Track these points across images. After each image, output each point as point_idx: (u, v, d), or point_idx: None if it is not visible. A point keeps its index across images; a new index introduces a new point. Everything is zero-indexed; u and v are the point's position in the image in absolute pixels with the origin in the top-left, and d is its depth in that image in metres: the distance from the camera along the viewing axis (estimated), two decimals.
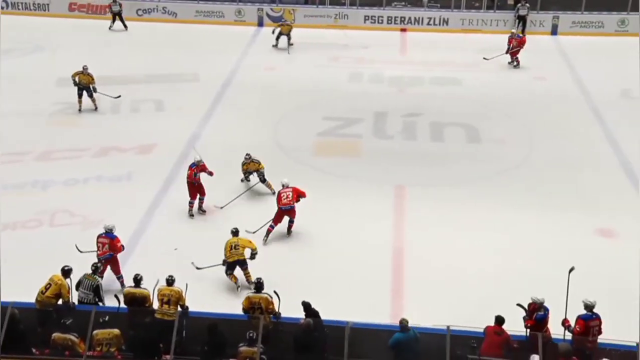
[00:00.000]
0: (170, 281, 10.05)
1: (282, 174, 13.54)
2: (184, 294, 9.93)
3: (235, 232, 11.64)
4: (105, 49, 22.82)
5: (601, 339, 9.34)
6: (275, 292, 9.95)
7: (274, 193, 13.71)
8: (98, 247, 11.26)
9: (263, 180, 14.17)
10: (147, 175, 14.77)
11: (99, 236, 11.33)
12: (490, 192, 14.50)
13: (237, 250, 11.40)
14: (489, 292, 11.13)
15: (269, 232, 12.71)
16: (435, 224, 13.22)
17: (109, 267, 11.32)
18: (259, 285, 10.09)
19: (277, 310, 9.94)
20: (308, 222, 13.14)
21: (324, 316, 9.63)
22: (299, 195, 12.78)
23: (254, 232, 12.68)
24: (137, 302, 9.93)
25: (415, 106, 18.85)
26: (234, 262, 11.41)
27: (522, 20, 24.62)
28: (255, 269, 11.45)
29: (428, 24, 25.76)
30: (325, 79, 20.68)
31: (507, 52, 21.65)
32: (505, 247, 12.52)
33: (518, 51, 21.66)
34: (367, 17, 25.99)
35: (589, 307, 9.38)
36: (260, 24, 26.04)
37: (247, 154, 14.24)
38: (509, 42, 21.79)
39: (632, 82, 19.62)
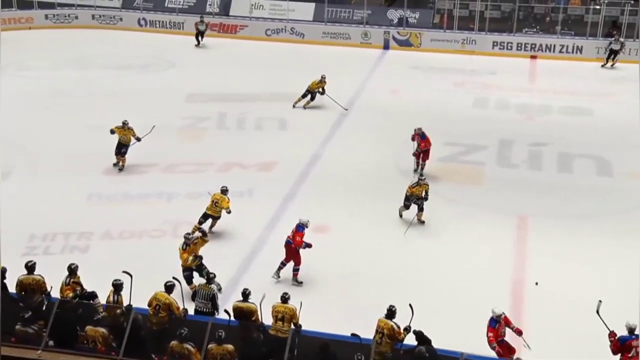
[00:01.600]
0: (285, 298, 10.10)
1: (399, 198, 13.42)
2: (298, 312, 9.97)
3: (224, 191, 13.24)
4: (232, 67, 23.61)
5: None
6: (410, 305, 9.70)
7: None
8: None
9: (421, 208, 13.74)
10: (267, 192, 15.04)
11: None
12: (619, 228, 13.74)
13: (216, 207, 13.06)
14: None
15: None
16: (558, 257, 12.66)
17: None
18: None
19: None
20: (424, 246, 13.00)
21: (435, 344, 9.37)
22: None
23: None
24: (244, 316, 10.05)
25: (543, 135, 18.23)
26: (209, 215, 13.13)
27: (614, 54, 23.30)
28: (367, 289, 11.41)
29: (560, 51, 25.00)
30: (449, 104, 20.43)
31: None
32: (623, 284, 11.77)
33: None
34: (495, 43, 25.56)
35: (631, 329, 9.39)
36: (387, 46, 26.17)
37: (420, 176, 14.06)
38: None
39: None
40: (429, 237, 13.46)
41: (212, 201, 13.28)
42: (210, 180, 15.56)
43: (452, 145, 17.56)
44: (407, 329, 9.58)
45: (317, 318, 10.33)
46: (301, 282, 12.03)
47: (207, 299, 10.56)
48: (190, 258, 11.52)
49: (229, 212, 13.18)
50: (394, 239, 13.36)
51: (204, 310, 10.55)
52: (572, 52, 24.86)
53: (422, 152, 15.91)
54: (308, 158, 16.73)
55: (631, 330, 9.46)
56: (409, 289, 11.53)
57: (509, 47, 25.42)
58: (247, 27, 27.55)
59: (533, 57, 25.09)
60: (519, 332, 10.05)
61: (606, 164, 16.64)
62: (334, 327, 9.85)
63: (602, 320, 9.54)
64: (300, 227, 12.00)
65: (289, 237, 12.09)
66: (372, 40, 26.35)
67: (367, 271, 12.35)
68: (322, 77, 19.84)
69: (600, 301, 9.52)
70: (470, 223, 13.92)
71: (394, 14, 27.30)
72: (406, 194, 13.74)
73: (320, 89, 19.81)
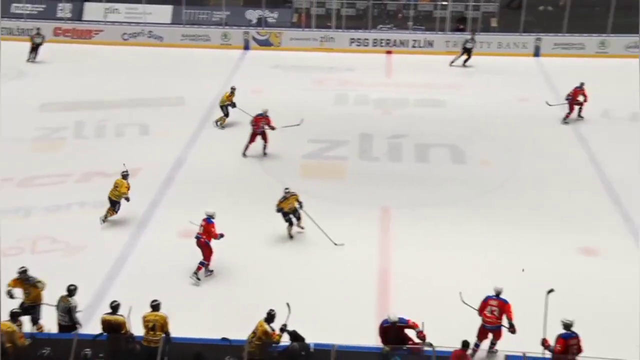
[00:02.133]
0: (155, 306, 9.90)
1: (269, 197, 13.59)
2: (168, 319, 9.83)
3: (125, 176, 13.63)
4: (88, 73, 22.85)
5: (580, 357, 9.35)
6: (287, 304, 9.81)
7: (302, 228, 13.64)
8: None
9: (298, 217, 13.49)
10: (132, 199, 14.66)
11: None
12: (474, 213, 14.51)
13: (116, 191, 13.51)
14: (472, 312, 11.11)
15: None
16: (419, 245, 13.22)
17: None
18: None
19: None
20: (293, 244, 13.17)
21: (310, 339, 9.57)
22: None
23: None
24: (113, 329, 9.82)
25: (401, 128, 18.94)
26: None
27: (467, 52, 24.28)
28: (242, 290, 11.46)
29: (413, 46, 25.99)
30: (311, 102, 20.74)
31: (567, 101, 19.23)
32: (486, 267, 12.47)
33: (581, 108, 19.26)
34: (352, 40, 26.20)
35: (567, 325, 9.46)
36: (247, 47, 26.19)
37: (285, 189, 13.38)
38: (575, 94, 19.14)
39: (612, 103, 19.87)
40: (299, 235, 13.63)
41: (114, 185, 13.53)
42: (71, 191, 15.05)
43: (315, 142, 17.88)
44: (283, 328, 9.69)
45: (193, 322, 10.29)
46: (199, 279, 12.04)
47: (65, 311, 10.23)
48: None
49: (127, 200, 13.47)
50: (265, 239, 13.45)
51: (63, 323, 10.24)
52: (424, 46, 25.93)
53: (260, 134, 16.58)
54: (172, 163, 16.52)
55: (567, 326, 9.45)
56: (285, 287, 11.67)
57: (366, 44, 26.17)
58: (103, 32, 26.70)
59: (388, 52, 25.95)
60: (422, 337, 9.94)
61: (460, 152, 17.52)
62: (212, 330, 9.86)
63: (470, 306, 10.09)
64: (209, 220, 12.12)
65: (198, 233, 12.06)
66: (232, 41, 26.29)
67: (240, 272, 12.37)
68: (231, 88, 18.82)
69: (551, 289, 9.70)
70: (336, 217, 14.19)
71: (252, 14, 27.37)
72: (279, 210, 13.29)
73: (230, 103, 18.55)
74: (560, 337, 9.39)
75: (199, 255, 12.22)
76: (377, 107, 20.70)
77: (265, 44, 26.35)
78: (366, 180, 16.04)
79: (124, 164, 13.71)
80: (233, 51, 25.62)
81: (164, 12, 27.36)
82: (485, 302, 10.28)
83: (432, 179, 16.17)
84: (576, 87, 19.23)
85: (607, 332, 10.60)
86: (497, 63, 24.10)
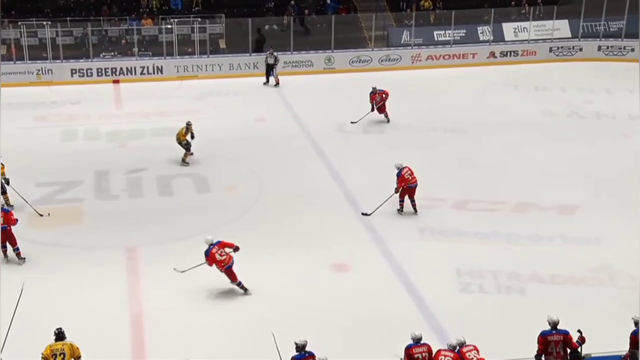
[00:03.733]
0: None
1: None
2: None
3: None
4: None
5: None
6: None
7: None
8: None
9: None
10: None
11: None
12: (229, 238, 14.56)
13: None
14: (234, 342, 11.36)
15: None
16: (171, 283, 13.06)
17: None
18: (59, 335, 10.20)
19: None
20: (35, 300, 12.36)
21: None
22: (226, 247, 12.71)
23: (182, 272, 13.01)
24: None
25: (139, 161, 18.67)
26: None
27: (270, 69, 25.11)
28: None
29: (142, 73, 25.76)
30: (35, 141, 19.80)
31: (372, 110, 20.91)
32: (239, 293, 12.81)
33: (384, 105, 21.05)
34: (74, 71, 25.32)
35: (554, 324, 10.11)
36: None
37: None
38: (372, 99, 20.88)
39: (342, 116, 21.40)
40: (39, 289, 12.77)
41: None
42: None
43: (44, 185, 17.03)
44: None
45: None
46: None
47: None
48: None
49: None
50: None
51: None
52: (154, 72, 25.83)
53: None
54: None
55: (554, 324, 10.05)
56: None
57: (89, 74, 25.42)
58: None
59: (115, 81, 25.46)
60: None
61: (203, 180, 17.68)
62: None
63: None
64: (6, 210, 13.94)
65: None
66: None
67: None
68: (187, 124, 18.37)
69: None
70: (78, 266, 13.64)
71: None
72: None
73: (186, 140, 18.27)
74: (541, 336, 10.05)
75: None
76: (110, 141, 20.22)
77: None
78: (107, 222, 15.58)
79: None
80: None
81: None
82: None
83: (178, 212, 16.12)
84: (370, 93, 21.01)
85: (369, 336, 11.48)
86: (230, 85, 24.74)
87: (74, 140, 20.25)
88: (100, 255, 14.14)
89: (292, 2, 29.00)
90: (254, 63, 26.17)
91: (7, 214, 13.81)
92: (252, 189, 17.26)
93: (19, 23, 25.71)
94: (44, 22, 25.93)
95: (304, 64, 26.72)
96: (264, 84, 25.11)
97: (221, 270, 12.63)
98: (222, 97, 23.78)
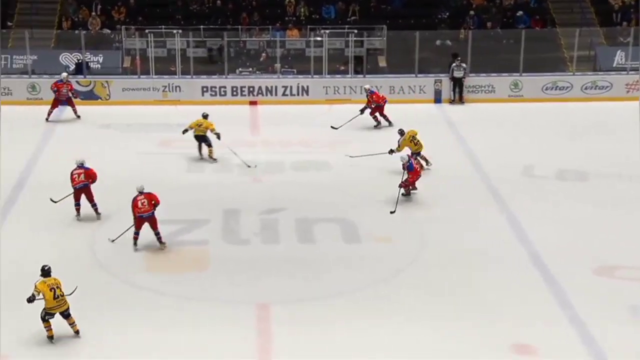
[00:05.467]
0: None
1: (106, 298, 14.00)
2: None
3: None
4: None
5: None
6: None
7: None
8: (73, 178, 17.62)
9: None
10: None
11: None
12: (372, 305, 14.77)
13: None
14: None
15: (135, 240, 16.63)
16: (309, 350, 13.34)
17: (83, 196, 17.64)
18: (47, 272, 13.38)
19: None
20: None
21: None
22: (153, 200, 16.57)
23: (113, 240, 16.75)
24: None
25: (276, 199, 19.19)
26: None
27: (458, 84, 25.78)
28: None
29: (284, 94, 26.58)
30: (156, 170, 20.74)
31: (361, 113, 23.00)
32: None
33: (380, 109, 23.50)
34: (205, 89, 26.51)
35: None
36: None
37: None
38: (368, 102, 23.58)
39: (530, 156, 21.07)
40: (144, 345, 13.46)
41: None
42: None
43: (165, 223, 17.58)
44: None
45: None
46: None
47: None
48: None
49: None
50: None
51: None
52: (298, 93, 26.59)
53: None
54: None
55: None
56: None
57: (223, 93, 26.54)
58: None
59: (253, 102, 26.42)
60: None
61: (352, 227, 17.95)
62: None
63: None
64: (87, 167, 17.90)
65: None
66: (43, 94, 25.90)
67: None
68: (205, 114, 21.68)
69: None
70: (198, 321, 14.17)
71: (69, 59, 27.25)
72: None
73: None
74: None
75: None
76: (243, 174, 20.92)
77: (89, 97, 26.20)
78: (236, 270, 16.08)
79: None
80: (44, 108, 25.18)
81: None
82: None
83: (319, 264, 16.40)
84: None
85: None
86: (389, 112, 24.78)
87: (201, 171, 21.17)
88: (226, 311, 14.56)
89: (472, 13, 29.14)
90: (420, 86, 26.44)
91: (87, 170, 17.59)
92: (410, 242, 17.32)
93: (146, 31, 27.33)
94: (174, 31, 27.41)
95: (483, 89, 26.73)
96: (451, 101, 25.74)
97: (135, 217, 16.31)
98: (380, 126, 24.16)
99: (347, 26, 28.46)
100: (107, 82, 26.42)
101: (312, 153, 22.14)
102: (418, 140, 20.14)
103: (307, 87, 26.65)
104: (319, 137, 23.33)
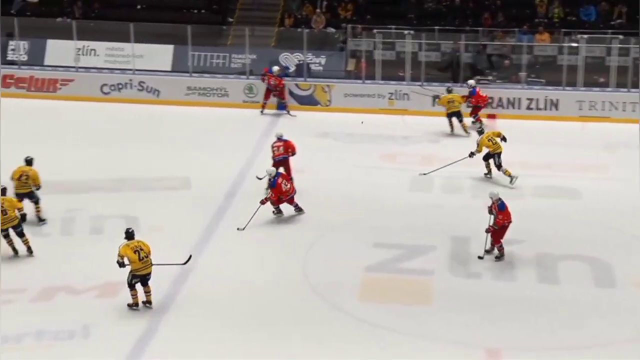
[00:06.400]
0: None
1: (314, 323, 14.28)
2: None
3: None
4: (51, 142, 23.43)
5: None
6: None
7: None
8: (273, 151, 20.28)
9: None
10: (113, 331, 14.62)
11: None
12: None
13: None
14: None
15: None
16: None
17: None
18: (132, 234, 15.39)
19: None
20: None
21: None
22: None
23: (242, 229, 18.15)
24: None
25: (512, 226, 18.72)
26: None
27: None
28: None
29: (528, 107, 26.12)
30: (377, 187, 20.90)
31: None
32: None
33: (478, 110, 24.81)
34: (437, 98, 26.38)
35: None
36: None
37: None
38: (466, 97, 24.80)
39: None
40: None
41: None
42: (24, 315, 15.08)
43: (383, 247, 17.80)
44: None
45: None
46: None
47: None
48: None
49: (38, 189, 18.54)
50: None
51: None
52: (545, 107, 26.05)
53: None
54: (173, 275, 16.46)
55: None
56: None
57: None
58: (73, 82, 27.49)
59: (491, 116, 26.21)
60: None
61: (606, 268, 17.18)
62: None
63: None
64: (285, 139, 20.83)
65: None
66: (260, 97, 26.66)
67: None
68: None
69: None
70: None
71: (290, 59, 27.89)
72: None
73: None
74: None
75: None
76: (475, 197, 20.63)
77: (308, 102, 26.74)
78: (462, 307, 15.82)
79: None
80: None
81: (162, 55, 28.09)
82: None
83: (562, 309, 15.85)
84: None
85: None
86: None
87: (428, 190, 21.10)
88: (451, 353, 14.37)
89: None
90: None
91: (286, 142, 20.38)
92: None
93: (374, 31, 27.62)
94: (405, 31, 27.55)
95: None
96: None
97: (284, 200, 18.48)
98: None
99: (610, 31, 27.47)
100: (328, 86, 26.90)
101: (556, 178, 21.65)
102: (496, 141, 20.97)
103: (557, 100, 26.17)
104: (567, 159, 22.90)
